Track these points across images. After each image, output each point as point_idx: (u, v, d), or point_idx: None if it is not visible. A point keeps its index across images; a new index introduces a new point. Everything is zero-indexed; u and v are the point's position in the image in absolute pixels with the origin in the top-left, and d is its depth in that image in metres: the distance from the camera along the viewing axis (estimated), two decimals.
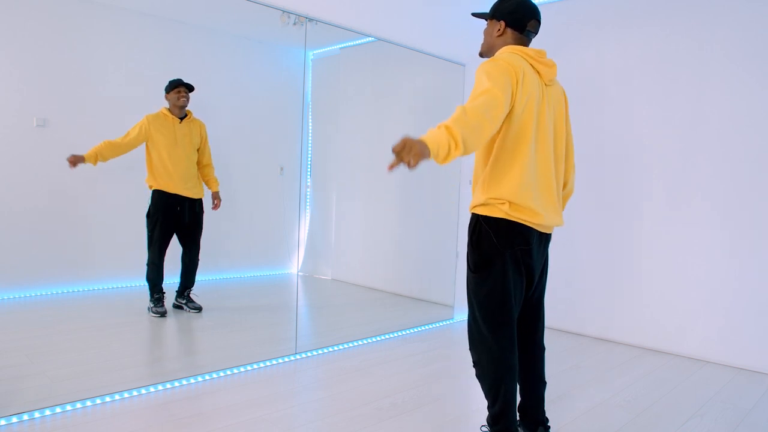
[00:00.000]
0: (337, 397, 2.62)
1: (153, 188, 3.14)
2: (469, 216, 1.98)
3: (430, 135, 1.55)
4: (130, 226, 3.03)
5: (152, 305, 3.16)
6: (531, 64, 1.88)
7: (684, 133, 3.53)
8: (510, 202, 1.83)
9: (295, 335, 3.24)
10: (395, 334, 3.74)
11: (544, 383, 2.10)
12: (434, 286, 4.28)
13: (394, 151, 1.49)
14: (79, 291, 2.90)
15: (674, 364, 3.37)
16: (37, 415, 2.24)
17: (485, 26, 2.04)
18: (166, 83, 3.12)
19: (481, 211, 1.89)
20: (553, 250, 4.12)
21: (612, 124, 3.83)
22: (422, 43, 3.79)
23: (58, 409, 2.29)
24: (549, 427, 2.11)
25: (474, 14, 2.13)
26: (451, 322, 4.21)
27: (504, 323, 1.89)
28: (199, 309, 3.40)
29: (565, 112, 2.03)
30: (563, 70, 4.06)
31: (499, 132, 1.85)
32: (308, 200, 3.75)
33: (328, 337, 3.46)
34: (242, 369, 2.93)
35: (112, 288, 3.05)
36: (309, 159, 3.63)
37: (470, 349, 1.99)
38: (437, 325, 4.09)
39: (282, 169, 3.62)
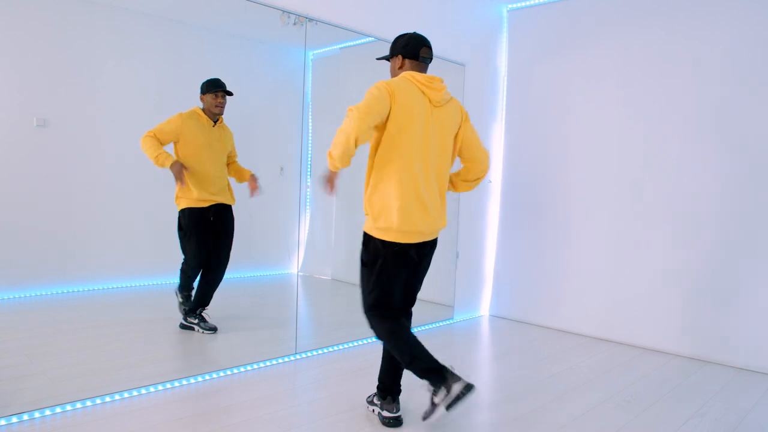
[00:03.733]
0: (337, 397, 2.62)
1: (181, 208, 3.01)
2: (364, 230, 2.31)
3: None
4: (131, 225, 3.03)
5: (197, 321, 3.10)
6: (420, 90, 2.20)
7: (684, 132, 3.53)
8: (396, 231, 2.18)
9: (295, 335, 3.24)
10: None
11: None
12: (434, 286, 4.26)
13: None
14: (79, 291, 2.90)
15: (674, 364, 3.37)
16: (37, 415, 2.24)
17: (389, 66, 2.38)
18: (203, 82, 3.01)
19: (373, 234, 2.24)
20: (554, 250, 4.13)
21: (612, 124, 3.83)
22: None
23: (58, 409, 2.29)
24: (400, 391, 2.42)
25: (378, 58, 2.47)
26: (451, 322, 4.21)
27: (388, 301, 2.29)
28: (214, 330, 3.17)
29: (459, 125, 2.33)
30: (564, 70, 4.06)
31: (376, 148, 2.22)
32: (308, 200, 3.75)
33: (328, 337, 3.46)
34: (242, 369, 2.93)
35: (112, 288, 3.05)
36: (309, 159, 3.62)
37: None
38: (437, 325, 4.09)
39: (282, 169, 3.62)
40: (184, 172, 2.91)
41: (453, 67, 4.05)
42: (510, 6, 4.35)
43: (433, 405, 2.20)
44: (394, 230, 2.19)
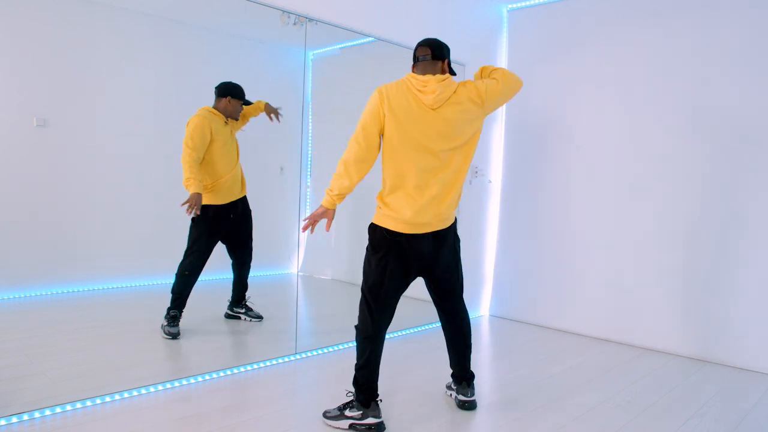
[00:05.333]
0: (337, 397, 2.61)
1: (204, 203, 3.04)
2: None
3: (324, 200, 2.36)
4: (131, 225, 3.03)
5: (166, 323, 3.01)
6: (415, 93, 2.27)
7: (684, 132, 3.53)
8: (403, 222, 2.26)
9: (295, 335, 3.24)
10: (395, 334, 3.74)
11: (466, 345, 2.63)
12: None
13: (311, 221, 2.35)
14: (79, 291, 2.90)
15: (674, 364, 3.37)
16: (37, 415, 2.24)
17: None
18: (225, 85, 3.07)
19: (380, 223, 2.32)
20: (554, 250, 4.12)
21: (612, 124, 3.83)
22: None
23: (58, 409, 2.29)
24: (472, 376, 2.62)
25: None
26: None
27: (379, 290, 2.33)
28: (260, 318, 3.42)
29: (462, 120, 2.30)
30: (564, 70, 4.06)
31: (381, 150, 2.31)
32: (308, 200, 3.74)
33: (328, 337, 3.46)
34: (242, 369, 2.93)
35: (112, 288, 3.05)
36: (309, 159, 3.62)
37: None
38: (437, 325, 4.08)
39: (282, 169, 3.62)
40: (198, 204, 2.95)
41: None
42: (510, 6, 4.35)
43: (342, 414, 2.32)
44: (401, 221, 2.26)
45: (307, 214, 3.95)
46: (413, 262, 2.34)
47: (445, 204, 2.34)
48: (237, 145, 3.22)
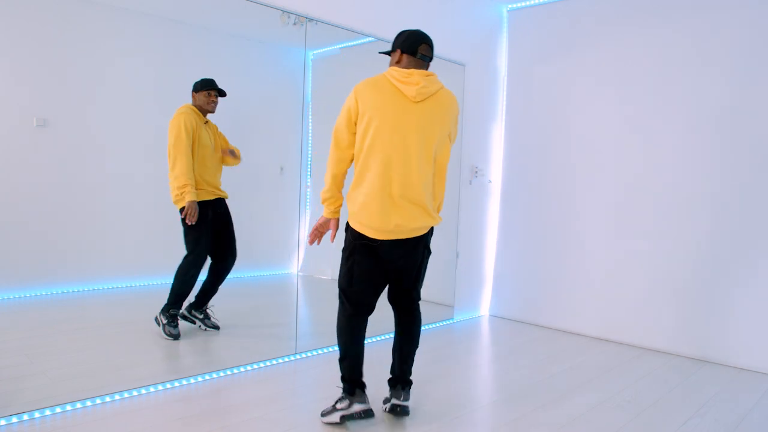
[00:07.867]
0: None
1: (189, 200, 2.98)
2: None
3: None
4: (131, 225, 3.03)
5: (165, 322, 3.00)
6: (396, 86, 2.19)
7: (684, 132, 3.53)
8: (368, 227, 2.22)
9: (295, 335, 3.24)
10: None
11: (412, 347, 2.50)
12: (434, 286, 4.27)
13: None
14: (79, 291, 2.90)
15: (674, 364, 3.37)
16: (37, 415, 2.24)
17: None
18: (197, 81, 3.02)
19: (351, 224, 2.30)
20: (554, 250, 4.12)
21: (612, 124, 3.83)
22: None
23: (58, 409, 2.29)
24: (409, 383, 2.44)
25: (380, 53, 2.44)
26: (451, 322, 4.21)
27: (354, 289, 2.33)
28: (216, 328, 3.24)
29: (439, 121, 2.25)
30: (564, 70, 4.06)
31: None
32: (308, 200, 3.74)
33: (328, 337, 3.45)
34: (242, 369, 2.93)
35: (112, 288, 3.05)
36: (309, 159, 3.62)
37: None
38: (437, 325, 4.09)
39: (282, 169, 3.62)
40: (196, 212, 2.95)
41: (453, 67, 4.05)
42: (510, 6, 4.35)
43: (334, 408, 2.35)
44: (366, 226, 2.23)
45: (307, 214, 3.98)
46: (382, 262, 2.33)
47: (431, 207, 2.31)
48: (218, 143, 3.15)
